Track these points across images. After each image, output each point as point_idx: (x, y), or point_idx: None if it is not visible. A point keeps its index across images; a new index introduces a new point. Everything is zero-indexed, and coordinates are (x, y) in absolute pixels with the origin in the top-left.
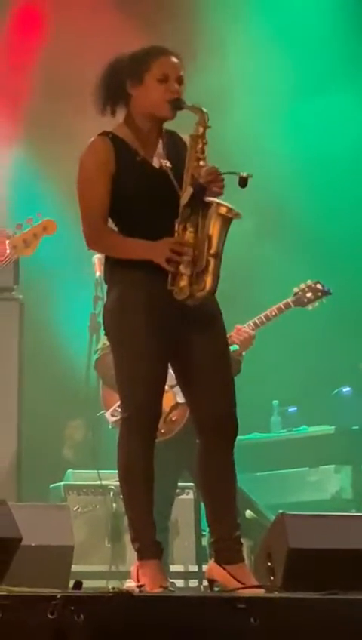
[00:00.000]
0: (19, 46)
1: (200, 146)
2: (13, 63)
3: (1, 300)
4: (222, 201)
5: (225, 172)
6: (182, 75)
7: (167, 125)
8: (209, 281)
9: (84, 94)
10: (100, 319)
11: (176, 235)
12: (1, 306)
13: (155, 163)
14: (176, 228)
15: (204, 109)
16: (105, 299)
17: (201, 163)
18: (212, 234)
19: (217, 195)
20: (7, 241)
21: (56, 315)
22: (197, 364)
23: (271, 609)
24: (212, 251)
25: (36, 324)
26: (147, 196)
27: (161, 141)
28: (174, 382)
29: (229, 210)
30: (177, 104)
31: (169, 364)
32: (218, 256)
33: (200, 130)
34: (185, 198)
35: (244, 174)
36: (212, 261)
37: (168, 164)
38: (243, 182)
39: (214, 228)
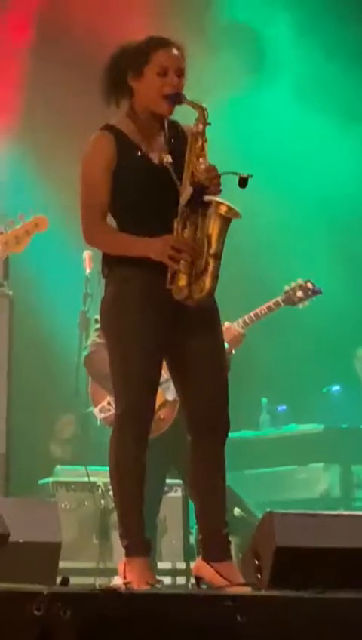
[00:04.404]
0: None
1: (200, 143)
2: (5, 52)
3: None
4: (222, 200)
5: (224, 172)
6: (182, 68)
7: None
8: (208, 282)
9: (80, 83)
10: (90, 316)
11: (175, 233)
12: None
13: (156, 158)
14: (175, 226)
15: (204, 105)
16: (94, 296)
17: (201, 161)
18: (211, 234)
19: (215, 194)
20: None
21: (45, 312)
22: (193, 362)
23: (258, 607)
24: (211, 251)
25: (26, 321)
26: (146, 193)
27: (163, 134)
28: (163, 379)
29: (229, 209)
30: (176, 98)
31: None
32: (217, 256)
33: (200, 127)
34: (184, 198)
35: (244, 175)
36: (211, 261)
37: (170, 159)
38: (243, 182)
39: (214, 228)
